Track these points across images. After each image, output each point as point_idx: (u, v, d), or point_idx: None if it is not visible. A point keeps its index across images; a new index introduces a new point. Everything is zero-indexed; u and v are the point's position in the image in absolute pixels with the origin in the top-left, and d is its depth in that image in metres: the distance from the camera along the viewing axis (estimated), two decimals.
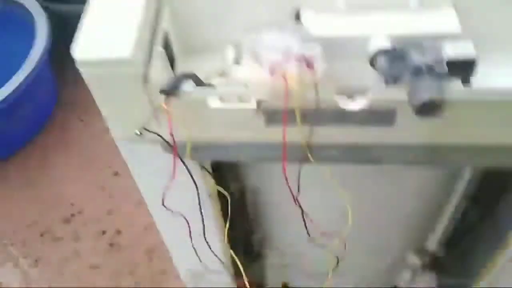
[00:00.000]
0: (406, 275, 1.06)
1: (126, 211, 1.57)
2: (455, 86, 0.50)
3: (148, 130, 0.48)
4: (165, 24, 0.57)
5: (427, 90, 0.48)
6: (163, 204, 0.57)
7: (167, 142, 0.49)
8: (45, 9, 1.60)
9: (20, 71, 1.50)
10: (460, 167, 0.78)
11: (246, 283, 0.76)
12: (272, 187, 0.81)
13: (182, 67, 0.61)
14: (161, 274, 1.45)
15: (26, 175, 1.70)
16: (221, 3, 0.58)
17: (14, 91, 1.47)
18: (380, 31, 0.53)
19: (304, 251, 0.96)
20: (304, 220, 0.61)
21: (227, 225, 0.67)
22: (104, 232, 1.56)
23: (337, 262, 0.70)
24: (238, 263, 0.73)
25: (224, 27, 0.59)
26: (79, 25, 0.51)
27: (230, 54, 0.56)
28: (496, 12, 0.57)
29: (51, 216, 1.60)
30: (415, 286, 1.08)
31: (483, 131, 0.53)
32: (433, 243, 1.00)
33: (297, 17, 0.56)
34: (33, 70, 1.50)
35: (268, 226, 0.96)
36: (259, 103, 0.52)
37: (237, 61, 0.55)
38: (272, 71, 0.49)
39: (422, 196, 0.84)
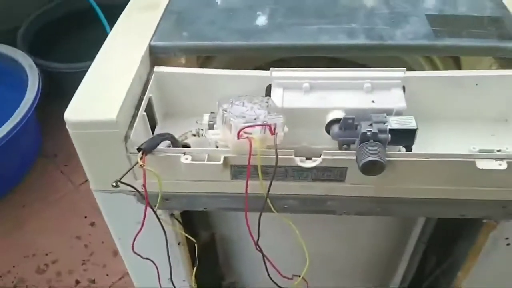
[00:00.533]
0: None
1: (101, 261, 1.59)
2: (395, 150, 0.59)
3: (123, 183, 0.54)
4: (151, 93, 0.65)
5: (370, 154, 0.56)
6: (133, 250, 0.62)
7: (140, 194, 0.55)
8: (37, 65, 1.70)
9: (7, 122, 1.55)
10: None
11: None
12: (240, 234, 0.87)
13: (163, 128, 0.69)
14: None
15: (2, 224, 1.71)
16: (203, 79, 0.67)
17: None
18: (336, 105, 0.62)
19: None
20: (265, 264, 0.67)
21: (195, 269, 0.72)
22: (78, 282, 1.56)
23: None
24: None
25: (199, 97, 0.68)
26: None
27: (205, 118, 0.64)
28: (438, 93, 0.67)
29: (25, 266, 1.60)
30: None
31: (419, 187, 0.62)
32: (396, 283, 1.06)
33: (268, 92, 0.65)
34: (20, 121, 1.56)
35: (238, 272, 1.01)
36: (226, 160, 0.59)
37: (211, 126, 0.63)
38: (239, 135, 0.57)
39: (382, 240, 0.91)
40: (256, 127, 0.58)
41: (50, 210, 1.75)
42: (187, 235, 0.71)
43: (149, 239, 0.67)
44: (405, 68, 0.64)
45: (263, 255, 0.67)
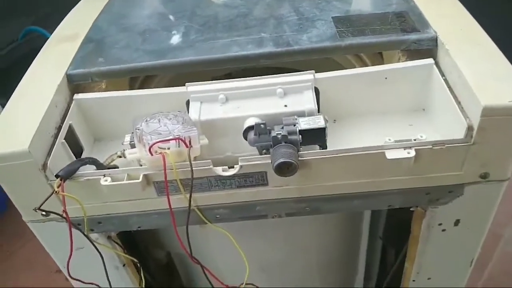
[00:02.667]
0: None
1: None
2: (306, 149, 0.61)
3: (44, 210, 0.56)
4: (72, 120, 0.67)
5: (280, 156, 0.58)
6: (69, 276, 0.63)
7: (64, 218, 0.57)
8: None
9: None
10: (359, 213, 0.88)
11: None
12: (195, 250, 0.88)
13: (90, 154, 0.70)
14: None
15: None
16: (123, 100, 0.69)
17: None
18: (251, 113, 0.64)
19: None
20: (205, 274, 0.68)
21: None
22: None
23: None
24: None
25: (125, 119, 0.69)
26: None
27: (127, 139, 0.65)
28: (351, 90, 0.70)
29: None
30: None
31: (339, 183, 0.64)
32: (360, 283, 1.07)
33: (187, 106, 0.67)
34: None
35: None
36: (145, 177, 0.61)
37: (132, 146, 0.64)
38: (151, 151, 0.58)
39: (332, 240, 0.92)
40: (171, 141, 0.59)
41: (29, 246, 1.75)
42: (128, 256, 0.72)
43: (91, 263, 0.69)
44: (313, 70, 0.67)
45: (202, 266, 0.69)
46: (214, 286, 0.70)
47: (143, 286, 0.73)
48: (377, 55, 0.86)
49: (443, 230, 0.72)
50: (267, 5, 0.81)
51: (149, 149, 0.58)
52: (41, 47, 0.76)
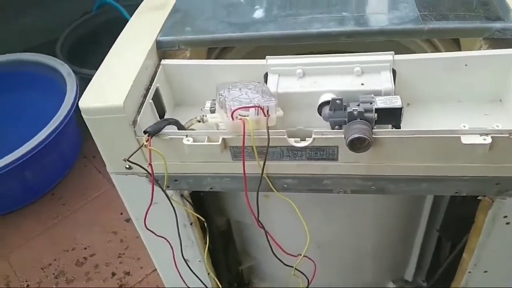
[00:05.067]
0: None
1: (135, 254, 1.68)
2: (381, 128, 0.62)
3: (131, 162, 0.60)
4: (159, 83, 0.72)
5: (355, 131, 0.60)
6: (145, 226, 0.68)
7: (147, 171, 0.61)
8: (75, 73, 1.83)
9: (48, 125, 1.68)
10: (421, 198, 0.88)
11: None
12: (253, 219, 0.92)
13: (171, 116, 0.75)
14: None
15: (44, 222, 1.84)
16: (206, 69, 0.73)
17: (40, 142, 1.64)
18: (328, 88, 0.66)
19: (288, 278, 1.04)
20: (268, 240, 0.71)
21: (206, 248, 0.77)
22: (114, 274, 1.66)
23: (308, 282, 0.79)
24: (219, 285, 0.82)
25: (205, 86, 0.74)
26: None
27: (207, 105, 0.69)
28: (428, 75, 0.70)
29: (65, 259, 1.72)
30: None
31: (409, 164, 0.65)
32: (410, 273, 1.07)
33: (266, 79, 0.71)
34: (59, 125, 1.69)
35: (255, 256, 1.05)
36: (223, 141, 0.64)
37: (212, 111, 0.68)
38: (233, 116, 0.62)
39: (389, 226, 0.93)
40: (250, 109, 0.63)
41: (89, 207, 1.87)
42: (197, 215, 0.77)
43: (163, 218, 0.74)
44: (393, 52, 0.67)
45: (266, 232, 0.72)
46: (274, 253, 0.73)
47: (207, 244, 0.78)
48: (453, 42, 0.85)
49: (507, 223, 0.72)
50: None
51: (231, 114, 0.62)
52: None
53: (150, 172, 0.62)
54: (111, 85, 0.65)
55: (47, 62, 1.89)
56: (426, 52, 0.87)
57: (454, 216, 0.89)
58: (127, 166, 0.68)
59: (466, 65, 0.69)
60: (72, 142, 1.95)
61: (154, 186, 0.66)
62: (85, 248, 1.74)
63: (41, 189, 1.90)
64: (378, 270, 1.05)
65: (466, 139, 0.60)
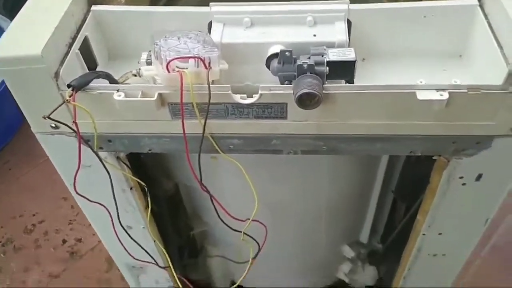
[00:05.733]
0: (345, 268, 1.12)
1: (87, 221, 1.61)
2: (332, 83, 0.57)
3: (52, 119, 0.53)
4: (88, 32, 0.64)
5: (305, 86, 0.55)
6: (75, 191, 0.62)
7: (72, 129, 0.54)
8: None
9: None
10: (376, 158, 0.85)
11: (175, 275, 0.80)
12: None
13: (104, 69, 0.67)
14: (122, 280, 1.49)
15: None
16: (143, 16, 0.65)
17: None
18: (277, 40, 0.60)
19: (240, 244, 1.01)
20: (213, 205, 0.66)
21: (148, 214, 0.72)
22: (64, 241, 1.59)
23: (259, 248, 0.75)
24: (165, 253, 0.78)
25: (142, 37, 0.66)
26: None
27: (143, 56, 0.62)
28: (385, 26, 0.65)
29: (13, 226, 1.63)
30: (355, 278, 1.13)
31: (363, 122, 0.60)
32: (365, 236, 1.06)
33: (209, 28, 0.64)
34: (1, 84, 1.56)
35: (207, 221, 1.01)
36: (160, 96, 0.58)
37: (148, 63, 0.61)
38: (168, 68, 0.55)
39: (343, 186, 0.90)
40: (189, 60, 0.56)
41: (37, 172, 1.77)
42: (137, 179, 0.71)
43: (98, 183, 0.67)
44: (348, 0, 0.62)
45: (210, 195, 0.67)
46: (220, 218, 0.69)
47: (149, 210, 0.72)
48: None
49: (463, 184, 0.69)
50: None
51: (167, 66, 0.55)
52: None
53: (76, 130, 0.54)
54: (30, 33, 0.57)
55: None
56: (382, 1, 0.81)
57: (409, 177, 0.87)
58: (53, 125, 0.60)
59: (424, 16, 0.64)
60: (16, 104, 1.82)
61: (85, 147, 0.59)
62: (34, 215, 1.66)
63: None
64: (333, 233, 1.03)
65: (422, 95, 0.56)
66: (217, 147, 0.63)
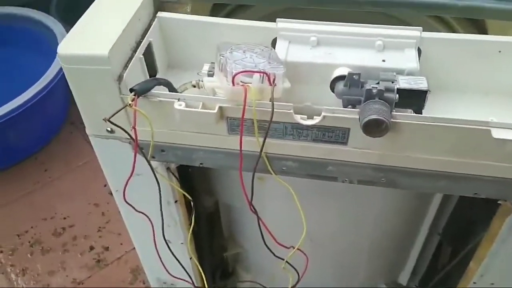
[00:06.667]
0: None
1: (117, 229, 1.60)
2: (399, 111, 0.54)
3: (111, 122, 0.52)
4: (152, 38, 0.63)
5: (373, 111, 0.52)
6: (124, 199, 0.60)
7: (130, 136, 0.53)
8: (67, 30, 1.73)
9: (35, 85, 1.59)
10: (429, 196, 0.81)
11: None
12: (243, 202, 0.84)
13: (163, 77, 0.66)
14: None
15: (24, 186, 1.75)
16: (207, 27, 0.65)
17: (25, 102, 1.55)
18: (344, 62, 0.58)
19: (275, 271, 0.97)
20: (259, 226, 0.64)
21: (191, 230, 0.70)
22: (92, 248, 1.58)
23: (298, 278, 0.71)
24: (202, 272, 0.75)
25: (205, 48, 0.65)
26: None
27: (205, 67, 0.61)
28: (456, 58, 0.62)
29: (43, 228, 1.63)
30: None
31: (428, 157, 0.57)
32: (405, 278, 1.00)
33: (273, 44, 0.62)
34: (46, 86, 1.59)
35: (242, 243, 0.98)
36: (220, 110, 0.56)
37: (210, 75, 0.60)
38: (234, 81, 0.54)
39: (389, 224, 0.86)
40: (254, 75, 0.54)
41: (72, 176, 1.78)
42: (184, 192, 0.69)
43: (145, 192, 0.66)
44: (421, 28, 0.59)
45: (258, 217, 0.64)
46: (265, 242, 0.66)
47: (192, 225, 0.70)
48: (475, 26, 0.77)
49: None
50: None
51: (232, 79, 0.53)
52: None
53: (134, 137, 0.53)
54: (97, 33, 0.57)
55: (40, 18, 1.79)
56: (439, 31, 0.78)
57: (460, 220, 0.82)
58: (109, 129, 0.59)
59: (500, 51, 0.61)
60: (59, 105, 1.86)
61: (138, 154, 0.58)
62: (65, 218, 1.66)
63: (24, 152, 1.81)
64: (372, 271, 0.98)
65: (497, 133, 0.52)
66: (269, 168, 0.61)
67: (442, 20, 0.80)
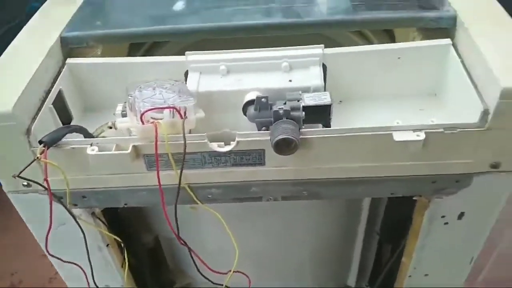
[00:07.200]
0: None
1: None
2: (310, 127, 0.57)
3: (22, 178, 0.51)
4: (63, 85, 0.63)
5: (281, 132, 0.54)
6: (48, 253, 0.59)
7: (44, 187, 0.53)
8: None
9: None
10: (359, 201, 0.84)
11: None
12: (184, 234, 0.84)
13: (80, 123, 0.66)
14: None
15: None
16: (118, 67, 0.65)
17: None
18: (253, 86, 0.60)
19: None
20: (192, 258, 0.64)
21: (126, 271, 0.69)
22: None
23: None
24: None
25: (118, 89, 0.65)
26: None
27: (119, 108, 0.61)
28: (360, 69, 0.66)
29: None
30: None
31: (341, 166, 0.60)
32: (353, 279, 1.03)
33: (186, 77, 0.64)
34: None
35: (190, 274, 0.97)
36: (134, 149, 0.56)
37: (124, 115, 0.61)
38: (143, 119, 0.54)
39: (327, 232, 0.88)
40: (164, 110, 0.55)
41: (14, 229, 1.71)
42: (113, 235, 0.68)
43: (74, 241, 0.65)
44: (323, 45, 0.62)
45: (189, 249, 0.65)
46: (199, 271, 0.66)
47: (127, 268, 0.69)
48: (386, 34, 0.81)
49: (446, 224, 0.68)
50: None
51: (141, 117, 0.54)
52: None
53: (48, 188, 0.53)
54: (1, 88, 0.56)
55: None
56: (358, 45, 0.83)
57: (393, 218, 0.86)
58: (25, 183, 0.58)
59: (399, 58, 0.65)
60: None
61: (58, 204, 0.57)
62: (12, 274, 1.59)
63: None
64: (320, 278, 1.00)
65: (398, 136, 0.56)
66: (195, 198, 0.62)
67: (361, 33, 0.85)
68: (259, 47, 0.63)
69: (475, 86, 0.58)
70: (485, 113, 0.55)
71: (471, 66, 0.60)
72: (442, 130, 0.56)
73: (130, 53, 0.79)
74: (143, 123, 0.54)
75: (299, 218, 0.81)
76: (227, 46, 0.64)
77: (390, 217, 0.87)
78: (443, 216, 0.67)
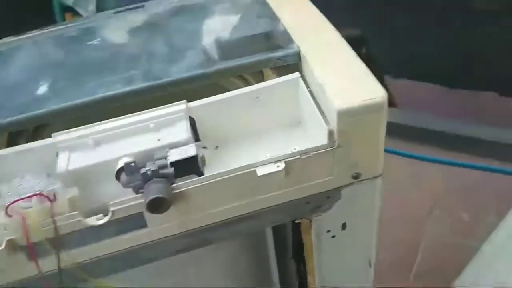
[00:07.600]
0: None
1: None
2: (185, 179, 0.59)
3: None
4: None
5: (150, 192, 0.56)
6: None
7: None
8: None
9: None
10: (260, 235, 0.87)
11: None
12: None
13: None
14: None
15: None
16: None
17: None
18: (124, 153, 0.62)
19: None
20: None
21: None
22: None
23: None
24: None
25: None
26: None
27: None
28: (227, 115, 0.70)
29: None
30: None
31: (221, 209, 0.63)
32: None
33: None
34: None
35: None
36: (12, 243, 0.56)
37: None
38: (11, 213, 0.54)
39: (240, 269, 0.90)
40: (33, 199, 0.56)
41: None
42: None
43: None
44: (185, 100, 0.66)
45: None
46: None
47: None
48: (259, 73, 0.87)
49: (333, 237, 0.73)
50: (140, 42, 0.81)
51: (6, 211, 0.54)
52: None
53: None
54: None
55: None
56: (239, 87, 0.87)
57: (298, 242, 0.90)
58: None
59: (257, 97, 0.70)
60: None
61: None
62: None
63: None
64: None
65: (261, 171, 0.60)
66: (86, 276, 0.62)
67: (242, 77, 0.89)
68: (139, 110, 0.66)
69: (322, 112, 0.64)
70: (331, 134, 0.61)
71: (316, 94, 0.67)
72: (298, 156, 0.61)
73: (11, 141, 0.77)
74: (9, 216, 0.54)
75: (206, 266, 0.83)
76: (110, 115, 0.66)
77: (295, 242, 0.91)
78: (328, 231, 0.72)
